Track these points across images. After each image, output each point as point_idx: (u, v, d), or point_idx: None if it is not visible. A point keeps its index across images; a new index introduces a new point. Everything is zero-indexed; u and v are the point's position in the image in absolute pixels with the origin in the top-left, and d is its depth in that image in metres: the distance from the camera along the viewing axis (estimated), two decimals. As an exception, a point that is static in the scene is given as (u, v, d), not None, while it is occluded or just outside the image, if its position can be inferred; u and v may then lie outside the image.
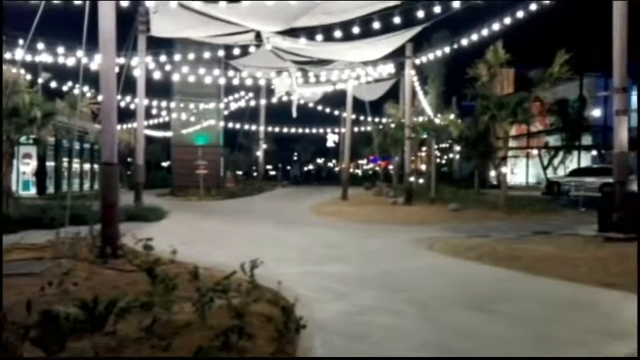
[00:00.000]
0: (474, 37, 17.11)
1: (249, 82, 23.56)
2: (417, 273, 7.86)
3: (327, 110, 31.87)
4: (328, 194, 27.51)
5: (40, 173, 23.15)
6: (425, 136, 26.26)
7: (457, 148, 36.85)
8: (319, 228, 13.80)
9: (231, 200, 25.33)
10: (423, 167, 33.95)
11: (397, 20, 14.16)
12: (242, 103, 30.78)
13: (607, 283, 6.80)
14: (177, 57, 19.90)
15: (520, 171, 40.89)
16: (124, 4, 12.38)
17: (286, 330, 4.42)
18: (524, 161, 40.46)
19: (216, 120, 30.86)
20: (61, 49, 16.27)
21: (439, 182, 26.20)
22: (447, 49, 20.33)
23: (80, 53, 14.33)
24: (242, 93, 29.73)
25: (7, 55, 14.41)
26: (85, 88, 16.83)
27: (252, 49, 19.29)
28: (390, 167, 40.64)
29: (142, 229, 11.36)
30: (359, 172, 60.12)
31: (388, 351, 4.46)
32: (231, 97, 30.82)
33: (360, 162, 60.37)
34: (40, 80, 19.63)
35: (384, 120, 34.31)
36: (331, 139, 60.65)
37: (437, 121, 26.37)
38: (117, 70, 10.02)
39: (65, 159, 25.63)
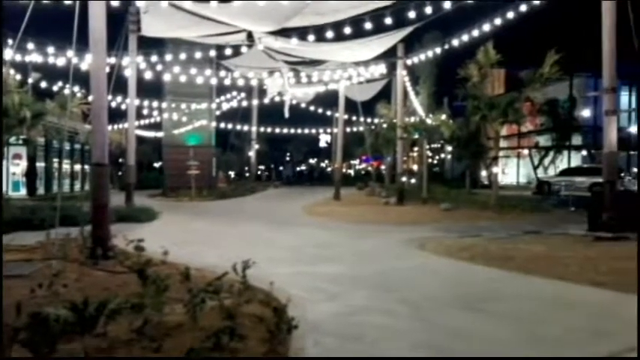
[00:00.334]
0: (465, 37, 17.21)
1: (241, 82, 23.53)
2: (409, 273, 7.88)
3: (320, 110, 31.89)
4: (320, 194, 27.51)
5: (30, 174, 22.93)
6: (417, 136, 26.34)
7: (449, 148, 36.96)
8: (311, 228, 13.80)
9: (223, 201, 25.26)
10: (415, 167, 34.07)
11: (389, 21, 14.26)
12: (234, 104, 30.68)
13: (597, 282, 6.86)
14: (168, 57, 19.80)
15: (511, 171, 41.05)
16: (115, 4, 12.34)
17: (278, 331, 4.41)
18: (515, 161, 40.63)
19: (208, 120, 30.75)
20: (51, 49, 16.16)
21: (431, 182, 26.31)
22: (438, 50, 20.48)
23: (70, 53, 14.21)
24: (234, 93, 29.65)
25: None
26: (76, 89, 16.77)
27: (244, 49, 19.26)
28: (383, 167, 40.70)
29: (133, 230, 11.33)
30: (351, 172, 60.12)
31: (381, 351, 4.47)
32: (223, 98, 30.72)
33: (353, 162, 60.41)
34: (29, 80, 19.49)
35: (376, 120, 34.37)
36: (323, 140, 60.81)
37: (428, 121, 26.42)
38: (108, 70, 9.96)
39: (55, 159, 25.41)
